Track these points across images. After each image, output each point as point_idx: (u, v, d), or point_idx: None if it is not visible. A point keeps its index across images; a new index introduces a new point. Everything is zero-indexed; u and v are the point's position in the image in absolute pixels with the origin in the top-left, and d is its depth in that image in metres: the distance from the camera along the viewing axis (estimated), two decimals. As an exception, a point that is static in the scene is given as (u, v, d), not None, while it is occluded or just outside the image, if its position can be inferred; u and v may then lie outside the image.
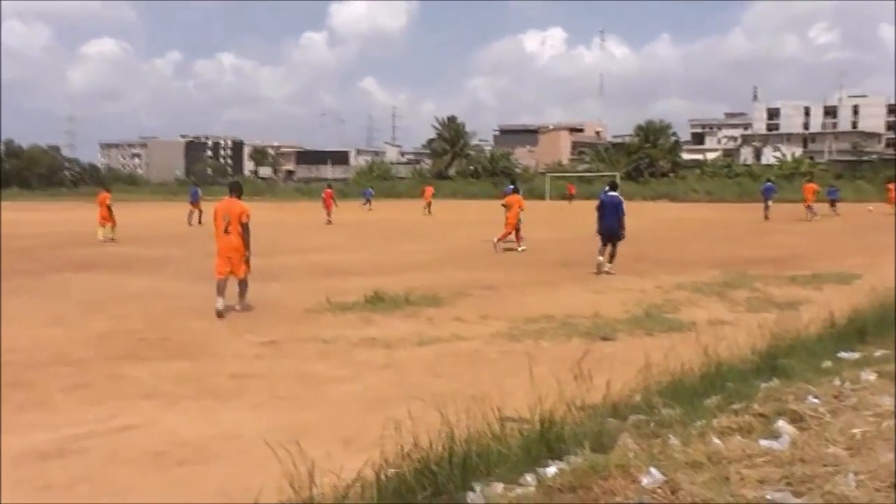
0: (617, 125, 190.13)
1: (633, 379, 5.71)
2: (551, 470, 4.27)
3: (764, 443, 4.61)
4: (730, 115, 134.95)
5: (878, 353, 7.19)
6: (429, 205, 44.27)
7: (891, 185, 41.70)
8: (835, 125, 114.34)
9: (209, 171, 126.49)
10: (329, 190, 37.33)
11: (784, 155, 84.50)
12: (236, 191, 11.60)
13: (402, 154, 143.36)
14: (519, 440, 4.58)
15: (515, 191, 22.92)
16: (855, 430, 4.68)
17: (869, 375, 6.08)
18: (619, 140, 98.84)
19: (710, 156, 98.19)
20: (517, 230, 21.12)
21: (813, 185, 36.35)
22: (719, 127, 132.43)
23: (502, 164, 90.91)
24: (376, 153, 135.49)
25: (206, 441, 5.62)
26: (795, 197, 39.35)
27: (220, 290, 10.89)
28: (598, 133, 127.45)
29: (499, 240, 20.73)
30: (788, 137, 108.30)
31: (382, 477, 3.99)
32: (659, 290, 12.77)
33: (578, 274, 15.40)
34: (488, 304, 11.56)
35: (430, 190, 47.53)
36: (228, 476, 4.95)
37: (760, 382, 6.06)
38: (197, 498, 4.63)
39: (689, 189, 66.19)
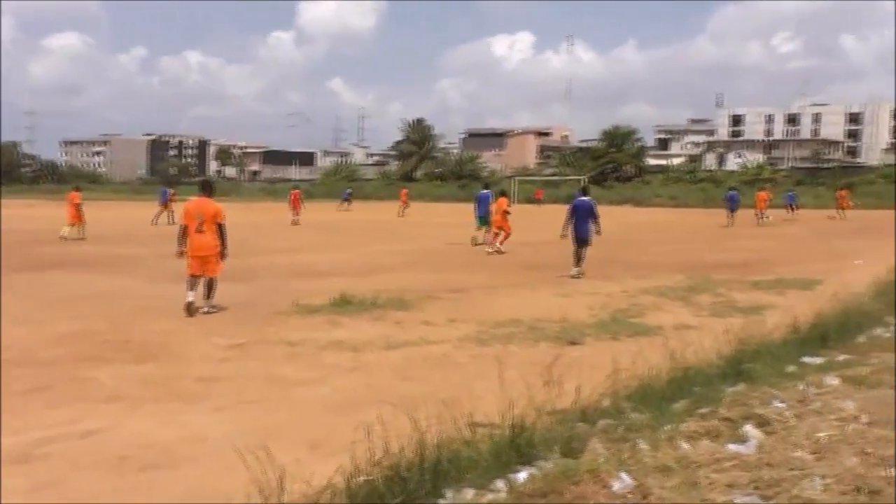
0: (583, 130, 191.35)
1: (602, 383, 5.73)
2: (522, 475, 4.27)
3: (731, 447, 4.67)
4: (694, 122, 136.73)
5: (840, 358, 7.31)
6: (404, 206, 45.14)
7: (842, 193, 43.11)
8: (796, 133, 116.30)
9: (173, 170, 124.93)
10: (296, 191, 37.17)
11: (747, 161, 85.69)
12: (208, 190, 11.55)
13: (369, 156, 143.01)
14: (489, 445, 4.59)
15: (503, 194, 23.22)
16: (820, 434, 4.76)
17: (832, 380, 6.18)
18: (585, 144, 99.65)
19: (675, 161, 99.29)
20: (496, 233, 21.38)
21: (764, 194, 37.94)
22: (684, 133, 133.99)
23: (469, 167, 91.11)
24: (343, 154, 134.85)
25: (171, 445, 5.53)
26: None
27: (191, 285, 10.90)
28: (564, 137, 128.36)
29: (501, 243, 21.02)
30: (751, 144, 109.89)
31: (353, 484, 3.96)
32: (625, 295, 12.87)
33: (546, 277, 15.48)
34: (456, 308, 11.56)
35: (405, 192, 48.55)
36: (195, 481, 4.88)
37: (726, 387, 6.13)
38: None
39: (653, 194, 66.83)
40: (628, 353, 7.03)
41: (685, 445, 4.70)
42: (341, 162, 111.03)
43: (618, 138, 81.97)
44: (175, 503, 4.56)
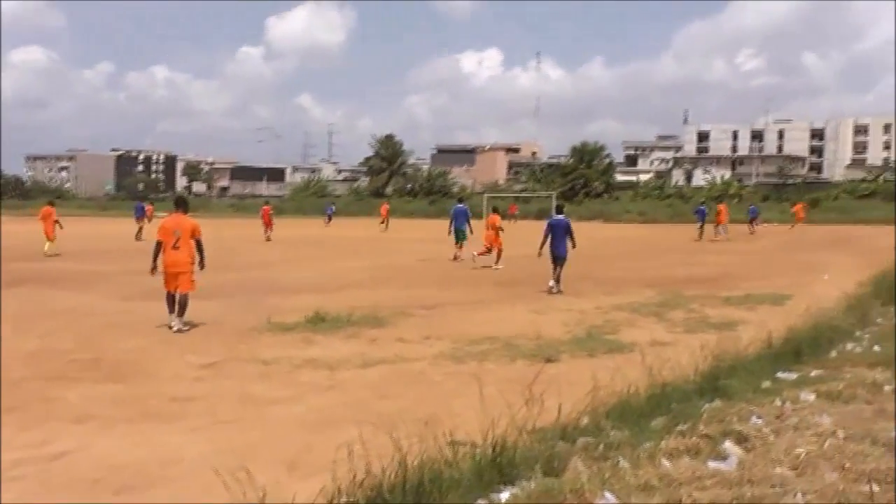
0: (552, 146, 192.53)
1: (580, 401, 5.73)
2: (504, 495, 4.25)
3: (712, 464, 4.68)
4: (661, 138, 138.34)
5: (813, 373, 7.38)
6: (385, 221, 45.46)
7: (797, 207, 45.23)
8: (761, 149, 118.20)
9: (141, 185, 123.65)
10: (267, 206, 37.02)
11: (714, 177, 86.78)
12: (183, 206, 11.51)
13: (339, 171, 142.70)
14: (471, 465, 4.55)
15: (495, 210, 23.24)
16: (799, 450, 4.79)
17: (808, 396, 6.23)
18: (554, 161, 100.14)
19: (643, 177, 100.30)
20: (489, 249, 21.35)
21: (723, 207, 38.64)
22: (651, 149, 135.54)
23: (439, 182, 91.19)
24: (313, 170, 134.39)
25: (145, 467, 5.43)
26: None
27: (172, 305, 10.93)
28: (533, 154, 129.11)
29: (496, 262, 20.92)
30: (718, 160, 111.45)
31: (335, 505, 3.92)
32: (598, 311, 12.91)
33: (519, 293, 15.50)
34: (431, 325, 11.51)
35: (385, 207, 48.75)
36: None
37: (704, 403, 6.16)
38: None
39: (622, 210, 67.33)
40: (605, 369, 7.02)
41: (666, 463, 4.70)
42: (311, 178, 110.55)
43: (587, 154, 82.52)
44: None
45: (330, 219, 52.91)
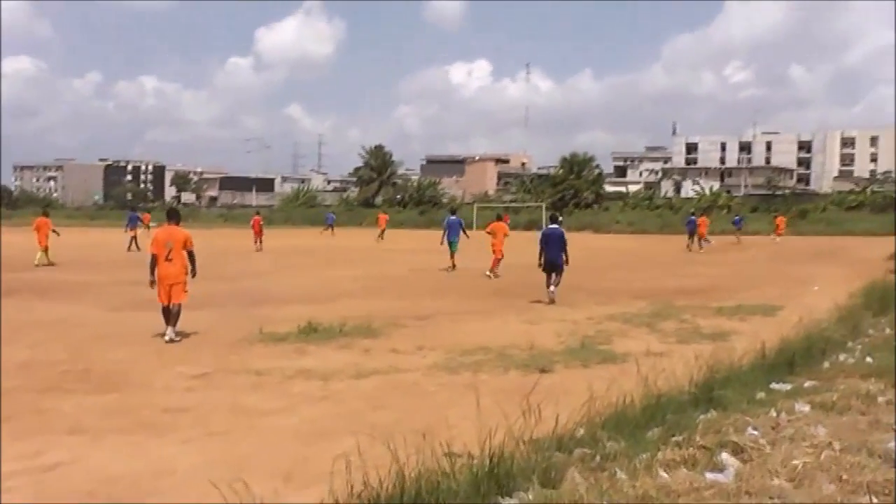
0: (541, 157, 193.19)
1: (576, 412, 5.71)
2: (503, 506, 4.22)
3: (710, 476, 4.66)
4: (650, 149, 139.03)
5: (807, 384, 7.38)
6: (382, 231, 45.61)
7: (779, 220, 46.13)
8: (749, 160, 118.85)
9: (129, 195, 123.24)
10: (258, 217, 37.05)
11: (702, 188, 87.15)
12: (175, 217, 11.51)
13: (329, 182, 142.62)
14: (468, 476, 4.52)
15: (499, 218, 23.22)
16: (796, 462, 4.78)
17: (803, 406, 6.23)
18: (543, 171, 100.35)
19: (633, 188, 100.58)
20: (500, 257, 21.34)
21: (703, 219, 39.13)
22: (640, 160, 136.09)
23: (429, 193, 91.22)
24: (302, 180, 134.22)
25: (139, 478, 5.39)
26: (713, 228, 42.01)
27: (168, 318, 10.88)
28: (523, 164, 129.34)
29: (492, 269, 20.96)
30: (706, 171, 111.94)
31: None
32: (591, 321, 12.92)
33: (512, 303, 15.50)
34: (424, 335, 11.49)
35: (384, 218, 48.92)
36: (165, 516, 4.75)
37: (699, 413, 6.15)
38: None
39: (612, 220, 67.47)
40: (599, 380, 7.02)
41: (663, 474, 4.69)
42: (301, 188, 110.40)
43: (576, 165, 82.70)
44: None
45: (332, 228, 52.86)
